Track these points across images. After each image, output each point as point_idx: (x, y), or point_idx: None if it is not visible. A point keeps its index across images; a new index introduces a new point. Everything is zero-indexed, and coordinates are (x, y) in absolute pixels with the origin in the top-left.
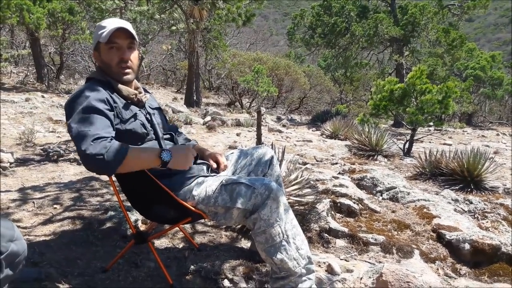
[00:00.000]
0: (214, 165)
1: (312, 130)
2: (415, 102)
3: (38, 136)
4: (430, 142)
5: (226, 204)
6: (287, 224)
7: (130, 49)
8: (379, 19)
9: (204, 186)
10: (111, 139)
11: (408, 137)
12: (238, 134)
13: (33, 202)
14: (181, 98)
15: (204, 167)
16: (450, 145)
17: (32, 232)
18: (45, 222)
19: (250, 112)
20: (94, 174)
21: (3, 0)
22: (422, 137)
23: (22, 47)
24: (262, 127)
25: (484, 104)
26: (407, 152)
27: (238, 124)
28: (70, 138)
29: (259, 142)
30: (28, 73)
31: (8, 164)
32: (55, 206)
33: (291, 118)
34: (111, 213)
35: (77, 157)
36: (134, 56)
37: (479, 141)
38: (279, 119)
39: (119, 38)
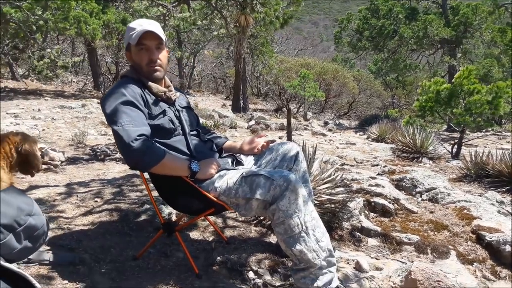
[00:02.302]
0: (258, 147)
1: (359, 134)
2: (463, 103)
3: (90, 138)
4: (485, 146)
5: (246, 195)
6: (306, 215)
7: (158, 49)
8: (428, 21)
9: (226, 178)
10: (152, 141)
11: (457, 140)
12: (280, 137)
13: (77, 196)
14: (230, 105)
15: (229, 160)
16: (507, 150)
17: (73, 222)
18: (85, 214)
19: (297, 117)
20: (136, 172)
21: (61, 13)
22: (477, 142)
23: (82, 57)
24: (306, 131)
25: None
26: (455, 155)
27: (282, 128)
28: None
29: (289, 139)
30: (87, 82)
31: (59, 162)
32: (96, 199)
33: (339, 123)
34: (146, 206)
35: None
36: (163, 55)
37: None
38: (326, 123)
39: (148, 40)
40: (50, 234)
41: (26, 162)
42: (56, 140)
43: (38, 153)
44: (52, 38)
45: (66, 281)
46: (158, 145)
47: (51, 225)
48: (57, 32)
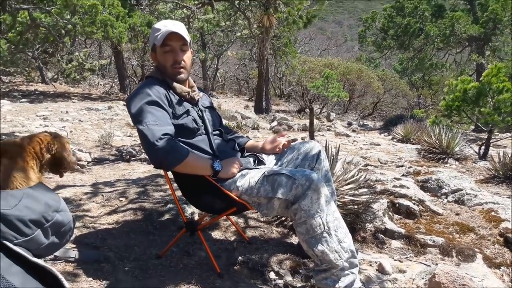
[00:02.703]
0: (280, 146)
1: (384, 135)
2: (491, 102)
3: (116, 139)
4: None
5: (268, 194)
6: (329, 216)
7: (182, 51)
8: (455, 18)
9: (248, 177)
10: (176, 140)
11: (485, 140)
12: (302, 138)
13: (102, 195)
14: (252, 106)
15: (251, 160)
16: None
17: (98, 221)
18: (110, 213)
19: (320, 118)
20: (160, 172)
21: (89, 17)
22: (506, 143)
23: (108, 60)
24: (329, 132)
25: None
26: (483, 156)
27: (304, 129)
28: None
29: (311, 139)
30: (113, 85)
31: (86, 162)
32: (121, 199)
33: (363, 124)
34: (170, 205)
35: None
36: (187, 57)
37: None
38: (349, 124)
39: (172, 41)
40: (76, 232)
41: (56, 163)
42: (83, 141)
43: (70, 153)
44: (80, 42)
45: (90, 278)
46: (181, 144)
47: (77, 224)
48: (85, 36)
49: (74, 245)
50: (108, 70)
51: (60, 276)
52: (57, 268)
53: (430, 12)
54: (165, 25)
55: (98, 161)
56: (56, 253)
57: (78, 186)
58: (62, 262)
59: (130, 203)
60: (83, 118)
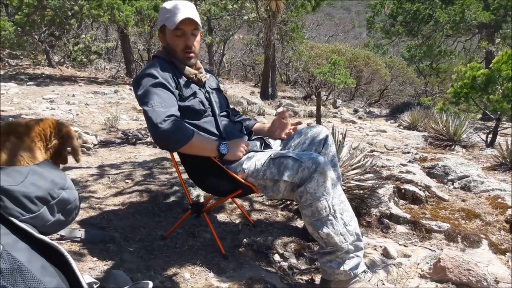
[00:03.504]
0: (286, 131)
1: (390, 122)
2: (500, 89)
3: (122, 123)
4: None
5: (274, 177)
6: (335, 199)
7: (193, 36)
8: (466, 4)
9: (254, 160)
10: (181, 121)
11: (493, 128)
12: (308, 124)
13: (108, 177)
14: (258, 92)
15: (258, 143)
16: None
17: (104, 202)
18: (116, 194)
19: (326, 104)
20: (166, 155)
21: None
22: None
23: (115, 44)
24: (335, 119)
25: None
26: (490, 144)
27: (310, 115)
28: None
29: (318, 124)
30: (119, 69)
31: (92, 145)
32: (127, 181)
33: (369, 111)
34: (175, 188)
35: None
36: (197, 40)
37: None
38: (356, 111)
39: (185, 25)
40: (82, 213)
41: (60, 150)
42: (89, 124)
43: (77, 143)
44: (87, 25)
45: (96, 258)
46: (187, 125)
47: (83, 205)
48: (91, 19)
49: (80, 226)
50: (115, 54)
51: (66, 254)
52: (63, 248)
53: None
54: (177, 7)
55: (104, 144)
56: (62, 233)
57: (84, 168)
58: (68, 241)
59: (136, 185)
60: (89, 102)
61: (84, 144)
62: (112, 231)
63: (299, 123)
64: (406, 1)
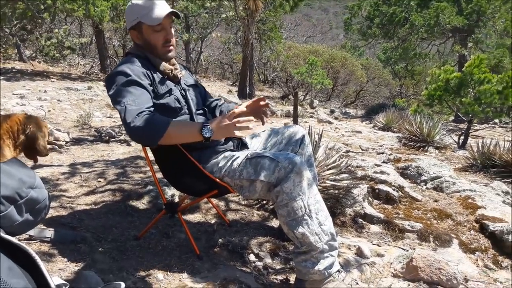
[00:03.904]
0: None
1: (365, 123)
2: (472, 92)
3: (95, 120)
4: (492, 138)
5: (250, 177)
6: (310, 198)
7: (171, 28)
8: (440, 8)
9: (230, 159)
10: (154, 114)
11: (465, 130)
12: (285, 124)
13: (80, 176)
14: (236, 91)
15: (234, 143)
16: None
17: (75, 201)
18: (88, 193)
19: (303, 104)
20: (140, 153)
21: None
22: (484, 133)
23: (89, 39)
24: (312, 119)
25: None
26: (462, 145)
27: (287, 115)
28: None
29: (295, 124)
30: (94, 65)
31: (64, 142)
32: (99, 179)
33: (345, 112)
34: (150, 187)
35: (127, 138)
36: (173, 33)
37: None
38: (332, 112)
39: (164, 19)
40: (52, 212)
41: (30, 146)
42: (61, 121)
43: (45, 137)
44: (60, 20)
45: (66, 259)
46: (160, 116)
47: (54, 204)
48: (65, 13)
49: (50, 226)
50: (89, 50)
51: (34, 255)
52: (31, 248)
53: (415, 1)
54: (152, 2)
55: (77, 141)
56: (31, 233)
57: (55, 166)
58: (37, 242)
59: (108, 184)
60: (62, 98)
61: (56, 142)
62: (84, 231)
63: (263, 99)
64: (382, 4)
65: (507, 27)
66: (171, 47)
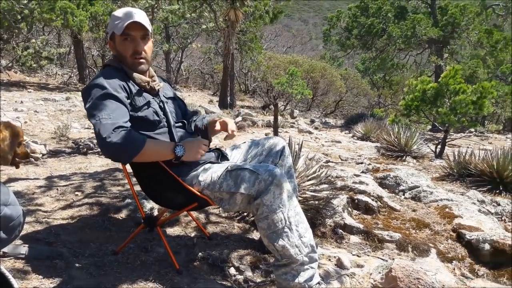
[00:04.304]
0: (218, 127)
1: (345, 133)
2: (448, 103)
3: (73, 131)
4: (468, 147)
5: (230, 189)
6: (290, 211)
7: (144, 40)
8: (417, 20)
9: (210, 172)
10: (130, 130)
11: (441, 139)
12: (266, 134)
13: (57, 189)
14: (217, 101)
15: (214, 154)
16: (490, 150)
17: (51, 216)
18: (64, 207)
19: (283, 114)
20: (119, 166)
21: (47, 3)
22: (460, 142)
23: (67, 49)
24: (292, 129)
25: None
26: (439, 155)
27: (268, 125)
28: None
29: (275, 135)
30: (72, 75)
31: (41, 155)
32: (76, 193)
33: (325, 121)
34: (128, 200)
35: None
36: (148, 46)
37: None
38: (312, 121)
39: (133, 30)
40: (28, 227)
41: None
42: (38, 132)
43: (11, 146)
44: (38, 30)
45: (42, 276)
46: (136, 133)
47: (29, 219)
48: (43, 23)
49: (24, 242)
50: (67, 59)
51: (8, 274)
52: (5, 266)
53: (393, 13)
54: (126, 13)
55: (54, 153)
56: (5, 250)
57: (31, 179)
58: (11, 259)
59: (86, 197)
60: (39, 109)
61: (32, 154)
62: (60, 246)
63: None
64: (361, 15)
65: (480, 38)
66: (142, 60)
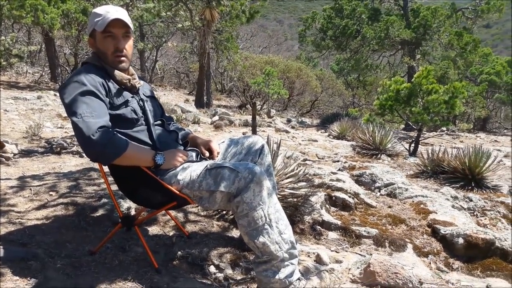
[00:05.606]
0: (207, 153)
1: (321, 132)
2: (421, 102)
3: (46, 131)
4: (440, 145)
5: (210, 188)
6: (270, 208)
7: (125, 38)
8: (390, 22)
9: (189, 170)
10: (113, 132)
11: (415, 138)
12: (244, 133)
13: (30, 189)
14: (193, 100)
15: (194, 154)
16: (461, 148)
17: (25, 216)
18: (39, 208)
19: (260, 114)
20: (94, 165)
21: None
22: (433, 141)
23: (38, 47)
24: (269, 128)
25: (500, 110)
26: (413, 153)
27: (245, 124)
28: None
29: (254, 134)
30: (43, 73)
31: (12, 154)
32: (51, 193)
33: (302, 121)
34: (104, 200)
35: (80, 149)
36: (129, 45)
37: (491, 146)
38: (289, 121)
39: (115, 28)
40: (0, 229)
41: None
42: (8, 132)
43: None
44: (7, 27)
45: (16, 277)
46: (120, 136)
47: (1, 220)
48: (12, 20)
49: None
50: (38, 58)
51: None
52: None
53: (367, 15)
54: (108, 11)
55: (26, 153)
56: None
57: (2, 179)
58: None
59: (61, 197)
60: (9, 108)
61: (3, 154)
62: (35, 247)
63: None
64: (335, 17)
65: (451, 40)
66: (123, 58)
